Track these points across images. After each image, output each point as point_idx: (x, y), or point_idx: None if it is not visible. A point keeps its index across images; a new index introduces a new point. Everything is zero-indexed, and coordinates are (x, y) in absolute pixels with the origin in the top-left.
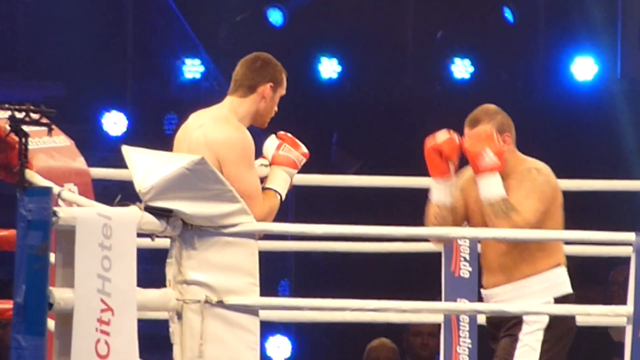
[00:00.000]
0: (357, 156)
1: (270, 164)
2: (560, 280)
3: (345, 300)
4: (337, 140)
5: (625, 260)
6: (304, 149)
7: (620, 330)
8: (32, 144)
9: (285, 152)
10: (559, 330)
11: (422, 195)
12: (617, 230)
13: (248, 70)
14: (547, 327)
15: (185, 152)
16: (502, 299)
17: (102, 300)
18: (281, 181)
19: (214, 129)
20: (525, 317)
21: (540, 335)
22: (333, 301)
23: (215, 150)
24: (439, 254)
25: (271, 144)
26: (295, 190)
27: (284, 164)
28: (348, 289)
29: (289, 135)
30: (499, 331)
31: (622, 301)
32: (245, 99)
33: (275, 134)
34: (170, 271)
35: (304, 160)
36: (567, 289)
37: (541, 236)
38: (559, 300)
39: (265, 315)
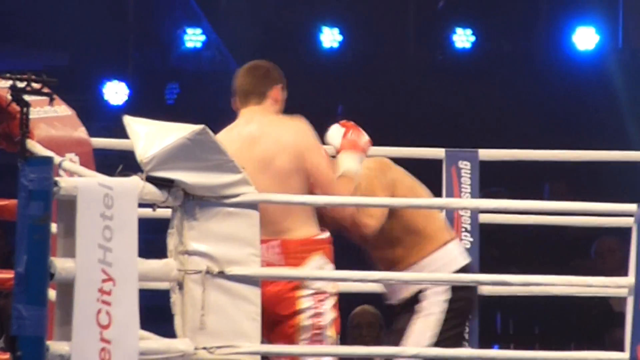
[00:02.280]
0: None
1: (339, 150)
2: (454, 255)
3: (345, 272)
4: (342, 112)
5: (607, 231)
6: (367, 136)
7: (621, 301)
8: (34, 113)
9: (354, 136)
10: (460, 303)
11: (427, 164)
12: (617, 201)
13: (254, 78)
14: (450, 299)
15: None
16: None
17: (104, 270)
18: (356, 164)
19: (285, 133)
20: (426, 291)
21: (443, 306)
22: (325, 272)
23: (297, 151)
24: None
25: (337, 132)
26: None
27: (355, 148)
28: (347, 261)
29: (352, 123)
30: (402, 309)
31: (610, 270)
32: (260, 106)
33: (338, 122)
34: (171, 241)
35: (370, 146)
36: (463, 261)
37: (546, 207)
38: (458, 272)
39: None
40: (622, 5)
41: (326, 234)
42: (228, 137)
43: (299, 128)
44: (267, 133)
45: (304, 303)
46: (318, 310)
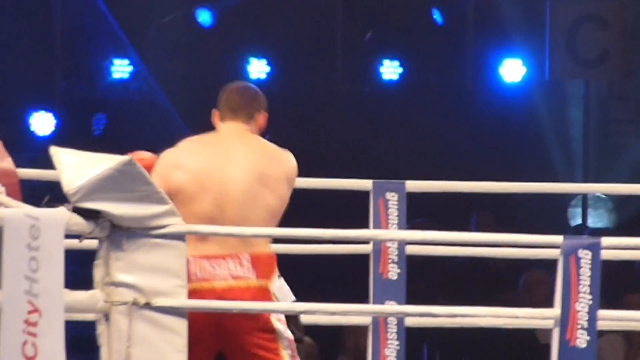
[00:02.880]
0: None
1: None
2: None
3: (274, 303)
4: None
5: (536, 263)
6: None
7: (548, 332)
8: None
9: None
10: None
11: (354, 195)
12: (544, 233)
13: (244, 98)
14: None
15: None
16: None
17: (29, 302)
18: None
19: (286, 160)
20: None
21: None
22: (260, 303)
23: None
24: (367, 256)
25: None
26: None
27: None
28: None
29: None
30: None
31: (538, 302)
32: (247, 125)
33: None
34: (98, 273)
35: None
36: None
37: (473, 238)
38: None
39: None
40: (548, 37)
41: None
42: (198, 139)
43: (291, 158)
44: (261, 146)
45: (275, 323)
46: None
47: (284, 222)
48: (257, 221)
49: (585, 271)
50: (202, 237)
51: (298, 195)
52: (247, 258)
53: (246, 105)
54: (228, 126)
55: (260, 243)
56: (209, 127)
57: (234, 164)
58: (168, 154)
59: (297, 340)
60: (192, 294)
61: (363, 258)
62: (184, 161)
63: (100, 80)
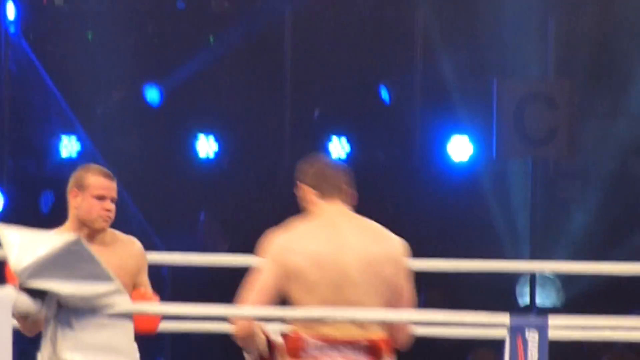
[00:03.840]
0: (228, 235)
1: None
2: None
3: None
4: (205, 219)
5: (483, 343)
6: None
7: None
8: None
9: None
10: None
11: None
12: (493, 310)
13: (346, 176)
14: None
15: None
16: None
17: None
18: None
19: (394, 242)
20: None
21: None
22: None
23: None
24: None
25: None
26: (172, 270)
27: None
28: None
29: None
30: None
31: None
32: (344, 203)
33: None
34: (45, 352)
35: None
36: None
37: (418, 317)
38: None
39: None
40: (495, 116)
41: None
42: (308, 221)
43: (399, 241)
44: (371, 229)
45: None
46: None
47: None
48: (373, 306)
49: (533, 352)
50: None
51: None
52: (365, 343)
53: (346, 184)
54: (334, 207)
55: (376, 328)
56: (156, 204)
57: (348, 248)
58: (281, 238)
59: None
60: None
61: None
62: (300, 244)
63: (48, 157)
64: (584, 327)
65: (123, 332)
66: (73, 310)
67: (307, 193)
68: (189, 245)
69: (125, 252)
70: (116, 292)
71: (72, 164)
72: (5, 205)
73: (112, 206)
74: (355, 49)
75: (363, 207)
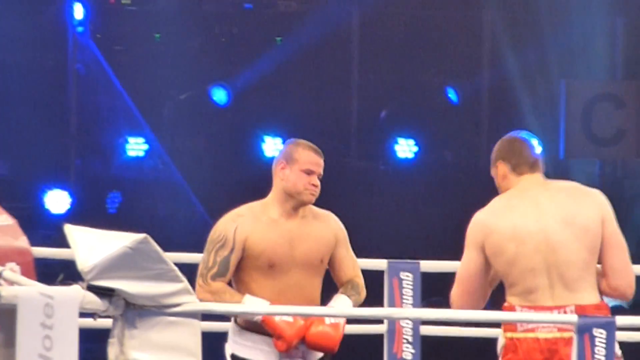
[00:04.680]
0: None
1: None
2: None
3: None
4: None
5: None
6: None
7: None
8: None
9: None
10: None
11: (370, 275)
12: None
13: (535, 150)
14: None
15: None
16: None
17: None
18: None
19: (596, 196)
20: None
21: None
22: None
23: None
24: (381, 335)
25: None
26: None
27: None
28: None
29: None
30: None
31: None
32: (541, 174)
33: None
34: (112, 351)
35: None
36: None
37: (491, 317)
38: None
39: None
40: (563, 116)
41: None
42: (508, 197)
43: (597, 193)
44: (566, 190)
45: None
46: None
47: None
48: (582, 262)
49: (600, 351)
50: (532, 287)
51: None
52: (572, 310)
53: (535, 154)
54: (528, 178)
55: (588, 293)
56: (222, 204)
57: (546, 214)
58: (477, 219)
59: None
60: (515, 342)
61: (377, 338)
62: (497, 222)
63: (115, 158)
64: None
65: (190, 331)
66: (140, 309)
67: (501, 170)
68: None
69: (323, 225)
70: (184, 291)
71: (138, 164)
72: (72, 206)
73: (318, 182)
74: (423, 50)
75: (431, 207)
